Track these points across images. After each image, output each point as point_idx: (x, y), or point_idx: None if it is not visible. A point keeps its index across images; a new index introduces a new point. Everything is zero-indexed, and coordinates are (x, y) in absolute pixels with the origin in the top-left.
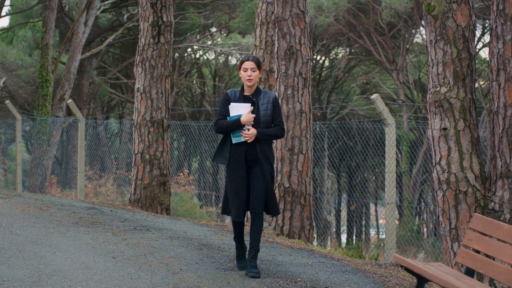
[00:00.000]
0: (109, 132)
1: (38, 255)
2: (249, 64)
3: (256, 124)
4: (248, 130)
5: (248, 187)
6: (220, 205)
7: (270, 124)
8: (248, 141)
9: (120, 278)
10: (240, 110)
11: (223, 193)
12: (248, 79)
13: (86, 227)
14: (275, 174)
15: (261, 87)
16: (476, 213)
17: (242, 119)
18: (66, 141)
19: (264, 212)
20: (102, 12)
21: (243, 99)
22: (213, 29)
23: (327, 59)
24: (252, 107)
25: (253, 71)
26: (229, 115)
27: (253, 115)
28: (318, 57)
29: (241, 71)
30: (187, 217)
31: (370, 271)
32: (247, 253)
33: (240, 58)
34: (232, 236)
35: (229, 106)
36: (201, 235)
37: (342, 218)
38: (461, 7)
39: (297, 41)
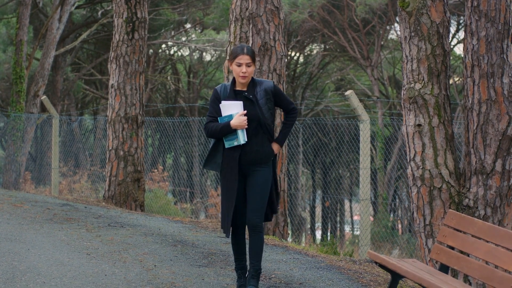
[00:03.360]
0: (83, 128)
1: (12, 251)
2: (244, 59)
3: (258, 125)
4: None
5: (245, 198)
6: (195, 201)
7: (273, 120)
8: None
9: (94, 275)
10: (232, 109)
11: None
12: (242, 76)
13: (60, 224)
14: None
15: None
16: (450, 210)
17: (233, 123)
18: (40, 137)
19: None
20: (76, 8)
21: (234, 95)
22: (188, 25)
23: (301, 55)
24: (243, 108)
25: (248, 66)
26: (220, 115)
27: (245, 118)
28: (293, 53)
29: (234, 65)
30: (161, 214)
31: (344, 268)
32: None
33: (232, 49)
34: (206, 233)
35: (220, 104)
36: (176, 231)
37: (317, 214)
38: (435, 3)
39: (271, 37)
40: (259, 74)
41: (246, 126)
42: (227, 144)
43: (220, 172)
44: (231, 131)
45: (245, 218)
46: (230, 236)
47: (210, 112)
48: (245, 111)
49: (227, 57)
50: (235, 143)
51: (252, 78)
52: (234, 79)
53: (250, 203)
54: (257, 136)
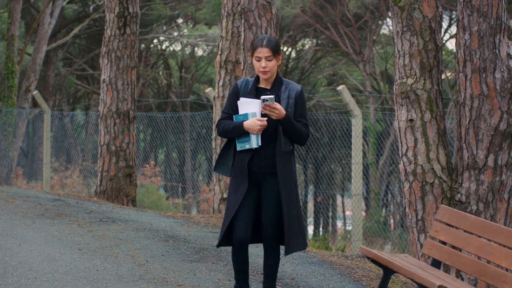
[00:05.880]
0: (75, 123)
1: (4, 247)
2: (263, 52)
3: (270, 126)
4: (269, 105)
5: (258, 210)
6: (187, 196)
7: None
8: (273, 117)
9: (86, 270)
10: (249, 108)
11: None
12: (262, 71)
13: (52, 219)
14: None
15: (227, 78)
16: (442, 205)
17: (246, 124)
18: (32, 132)
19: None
20: (68, 3)
21: (255, 91)
22: (180, 20)
23: (293, 50)
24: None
25: (269, 60)
26: (237, 113)
27: (262, 123)
28: (285, 48)
29: (254, 60)
30: (153, 209)
31: (336, 263)
32: None
33: (252, 41)
34: (199, 228)
35: (238, 101)
36: (167, 226)
37: (309, 209)
38: None
39: (263, 32)
40: (251, 69)
41: (259, 132)
42: (238, 146)
43: (231, 178)
44: (244, 133)
45: (251, 232)
46: (220, 246)
47: (225, 108)
48: (266, 118)
49: (219, 52)
50: (247, 146)
51: (279, 76)
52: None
53: (264, 217)
54: (274, 141)
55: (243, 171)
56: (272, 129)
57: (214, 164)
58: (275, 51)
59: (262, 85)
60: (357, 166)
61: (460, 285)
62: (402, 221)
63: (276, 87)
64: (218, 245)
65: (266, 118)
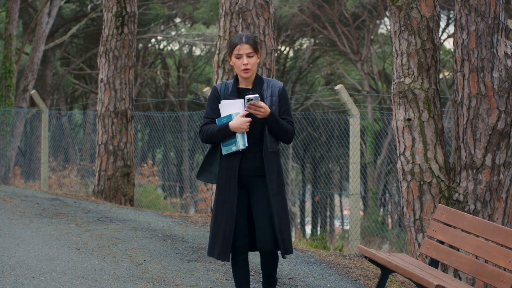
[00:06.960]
0: (73, 123)
1: (1, 246)
2: (243, 48)
3: (263, 128)
4: (254, 104)
5: (249, 216)
6: (185, 196)
7: None
8: (258, 116)
9: (83, 270)
10: (232, 109)
11: (210, 225)
12: (244, 70)
13: (49, 218)
14: None
15: (225, 78)
16: (440, 204)
17: (232, 124)
18: (30, 132)
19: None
20: (65, 2)
21: (237, 93)
22: (177, 20)
23: (291, 49)
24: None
25: (250, 57)
26: (219, 117)
27: (248, 119)
28: (283, 48)
29: (233, 58)
30: (151, 208)
31: (334, 262)
32: None
33: (230, 40)
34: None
35: (219, 104)
36: (165, 226)
37: (307, 209)
38: None
39: (261, 31)
40: None
41: (247, 129)
42: (224, 150)
43: (217, 185)
44: (230, 134)
45: (247, 240)
46: (230, 261)
47: (207, 113)
48: (247, 112)
49: (217, 52)
50: (234, 149)
51: (258, 75)
52: (236, 76)
53: (258, 224)
54: (261, 142)
55: (233, 176)
56: (259, 130)
57: (197, 172)
58: (255, 47)
59: (242, 85)
60: (355, 166)
61: (458, 285)
62: (400, 220)
63: (257, 86)
64: (220, 258)
65: (250, 119)
